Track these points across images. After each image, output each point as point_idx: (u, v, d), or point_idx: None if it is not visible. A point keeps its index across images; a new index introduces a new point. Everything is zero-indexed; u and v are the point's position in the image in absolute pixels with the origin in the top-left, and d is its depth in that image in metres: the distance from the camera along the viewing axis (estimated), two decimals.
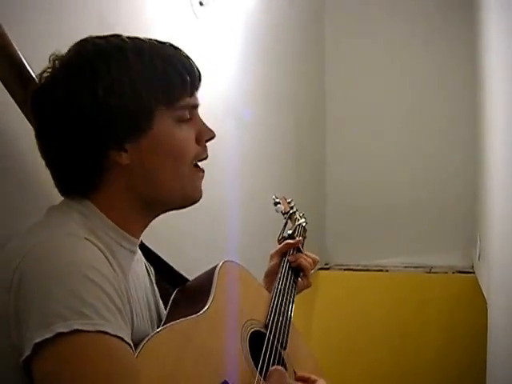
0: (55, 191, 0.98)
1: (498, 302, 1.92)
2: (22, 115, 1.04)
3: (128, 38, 0.95)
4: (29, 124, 1.06)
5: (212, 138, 1.01)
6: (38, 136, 0.95)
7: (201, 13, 1.87)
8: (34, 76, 1.02)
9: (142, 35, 1.40)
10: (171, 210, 1.01)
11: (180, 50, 0.98)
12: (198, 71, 0.99)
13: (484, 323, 2.21)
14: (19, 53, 1.00)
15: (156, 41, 0.97)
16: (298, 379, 1.06)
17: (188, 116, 0.97)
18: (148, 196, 0.95)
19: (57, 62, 0.93)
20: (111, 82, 0.89)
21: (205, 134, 0.99)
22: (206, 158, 1.01)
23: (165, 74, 0.93)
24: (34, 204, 1.10)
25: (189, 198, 0.99)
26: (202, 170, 1.00)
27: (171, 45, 0.98)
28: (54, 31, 1.21)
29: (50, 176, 1.11)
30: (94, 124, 0.89)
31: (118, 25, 1.43)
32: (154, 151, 0.93)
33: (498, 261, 1.91)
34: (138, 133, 0.91)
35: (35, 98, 0.94)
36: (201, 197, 1.00)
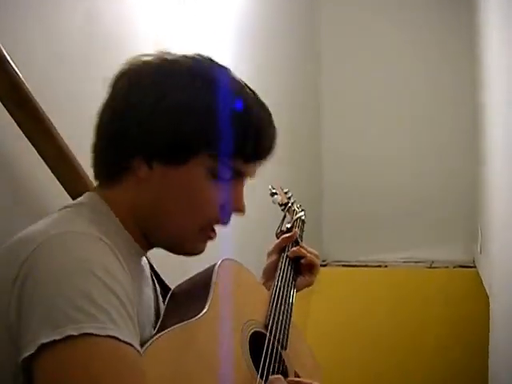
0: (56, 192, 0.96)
1: (499, 296, 1.93)
2: (7, 114, 1.03)
3: (233, 76, 0.93)
4: (11, 123, 1.05)
5: (239, 212, 0.94)
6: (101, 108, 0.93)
7: (191, 3, 1.85)
8: (17, 70, 1.01)
9: (127, 29, 1.38)
10: (165, 250, 0.96)
11: (269, 115, 0.94)
12: (271, 145, 0.95)
13: (486, 317, 2.21)
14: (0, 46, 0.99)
15: (253, 92, 0.93)
16: None
17: (228, 178, 0.91)
18: (147, 225, 0.92)
19: (166, 57, 0.92)
20: (179, 99, 0.87)
21: (234, 206, 0.93)
22: (224, 224, 0.94)
23: (232, 129, 0.88)
24: (33, 205, 1.11)
25: (183, 252, 0.95)
26: (214, 234, 0.95)
27: (265, 106, 0.94)
28: (39, 24, 1.19)
29: (49, 177, 1.12)
30: (139, 123, 0.87)
31: (104, 19, 1.41)
32: (174, 187, 0.89)
33: (499, 254, 1.92)
34: (171, 160, 0.88)
35: (118, 78, 0.92)
36: (199, 253, 0.95)
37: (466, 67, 3.06)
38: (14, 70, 1.00)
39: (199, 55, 0.93)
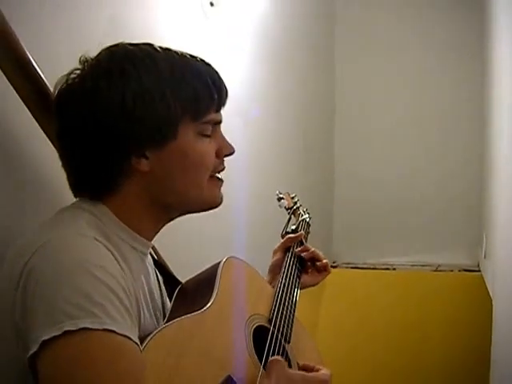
0: (59, 190, 0.98)
1: (503, 300, 1.92)
2: (29, 116, 1.05)
3: (160, 47, 0.96)
4: (33, 124, 1.06)
5: (231, 153, 1.02)
6: (60, 135, 0.94)
7: (211, 13, 1.87)
8: (41, 74, 1.03)
9: (151, 35, 1.41)
10: (189, 213, 1.02)
11: (211, 66, 0.99)
12: (226, 89, 1.00)
13: (489, 321, 2.21)
14: (26, 50, 1.00)
15: (188, 54, 0.98)
16: (302, 368, 1.07)
17: (210, 131, 0.98)
18: (165, 201, 0.96)
19: (86, 63, 0.93)
20: (141, 87, 0.89)
21: (225, 150, 1.01)
22: (222, 170, 1.03)
23: (194, 88, 0.93)
24: (36, 205, 1.11)
25: (207, 204, 1.01)
26: (221, 180, 1.02)
27: (202, 60, 0.99)
28: (64, 30, 1.22)
29: (54, 176, 1.10)
30: (118, 128, 0.89)
31: (128, 25, 1.44)
32: (175, 161, 0.93)
33: (503, 259, 1.92)
34: (161, 142, 0.92)
35: (61, 98, 0.93)
36: (221, 202, 1.03)
37: (475, 76, 3.09)
38: (39, 75, 1.02)
39: (114, 45, 0.95)
